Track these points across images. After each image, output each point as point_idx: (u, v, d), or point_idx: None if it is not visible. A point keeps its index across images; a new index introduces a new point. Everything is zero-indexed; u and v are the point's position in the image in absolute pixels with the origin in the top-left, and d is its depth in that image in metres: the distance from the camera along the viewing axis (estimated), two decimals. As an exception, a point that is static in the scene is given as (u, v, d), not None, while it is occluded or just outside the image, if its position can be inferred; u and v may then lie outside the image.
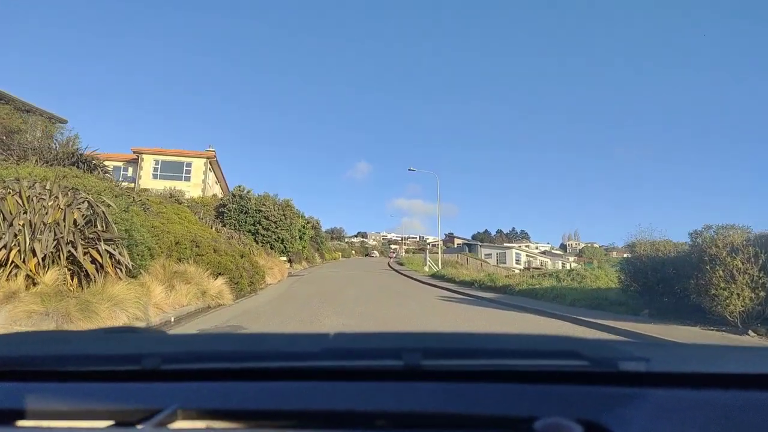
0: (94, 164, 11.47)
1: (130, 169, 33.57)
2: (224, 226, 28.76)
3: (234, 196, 31.27)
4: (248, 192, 31.54)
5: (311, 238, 46.27)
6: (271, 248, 30.19)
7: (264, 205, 31.30)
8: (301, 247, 37.06)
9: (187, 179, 33.64)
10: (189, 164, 33.87)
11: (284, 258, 29.50)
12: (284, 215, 32.31)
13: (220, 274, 10.39)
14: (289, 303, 11.09)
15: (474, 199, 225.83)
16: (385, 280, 23.50)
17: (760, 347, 1.65)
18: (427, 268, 34.82)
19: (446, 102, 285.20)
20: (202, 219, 16.93)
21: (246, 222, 30.29)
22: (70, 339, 1.31)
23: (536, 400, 0.80)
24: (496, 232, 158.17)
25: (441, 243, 33.49)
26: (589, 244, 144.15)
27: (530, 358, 0.91)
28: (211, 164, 35.33)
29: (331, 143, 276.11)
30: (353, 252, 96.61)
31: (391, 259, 65.47)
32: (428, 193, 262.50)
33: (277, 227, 31.49)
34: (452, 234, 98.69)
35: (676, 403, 0.78)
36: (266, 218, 31.07)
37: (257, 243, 29.57)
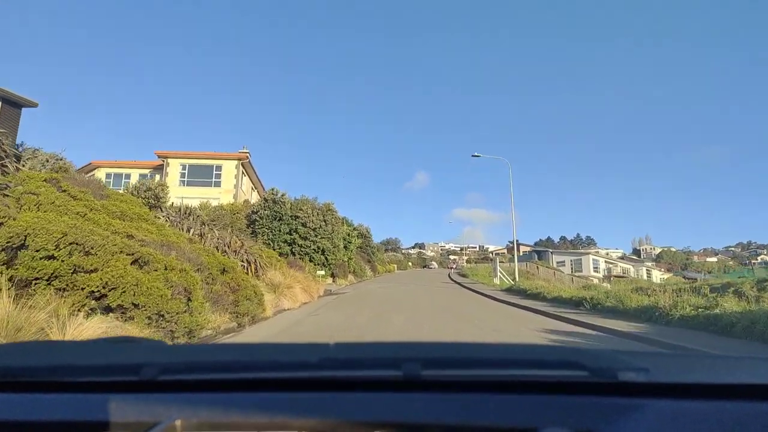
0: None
1: (157, 177, 30.40)
2: (255, 235, 24.56)
3: (266, 201, 26.92)
4: (282, 195, 27.06)
5: (359, 247, 41.34)
6: (310, 260, 25.41)
7: (301, 210, 26.67)
8: (346, 259, 32.13)
9: (218, 184, 29.98)
10: (219, 167, 30.20)
11: (323, 272, 24.58)
12: (324, 221, 27.51)
13: (136, 305, 5.43)
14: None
15: (533, 209, 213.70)
16: (447, 298, 17.84)
17: (762, 357, 1.25)
18: (497, 281, 28.63)
19: (506, 109, 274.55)
20: (183, 226, 12.12)
21: (280, 230, 25.78)
22: (65, 349, 1.28)
23: (536, 411, 0.79)
24: (560, 239, 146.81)
25: (516, 247, 27.16)
26: (666, 248, 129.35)
27: (531, 369, 0.90)
28: (244, 167, 31.51)
29: (390, 153, 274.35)
30: (410, 264, 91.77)
31: (452, 270, 59.70)
32: (489, 201, 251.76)
33: (316, 235, 26.70)
34: (517, 241, 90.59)
35: (677, 414, 0.77)
36: (303, 225, 26.41)
37: (293, 255, 24.99)
